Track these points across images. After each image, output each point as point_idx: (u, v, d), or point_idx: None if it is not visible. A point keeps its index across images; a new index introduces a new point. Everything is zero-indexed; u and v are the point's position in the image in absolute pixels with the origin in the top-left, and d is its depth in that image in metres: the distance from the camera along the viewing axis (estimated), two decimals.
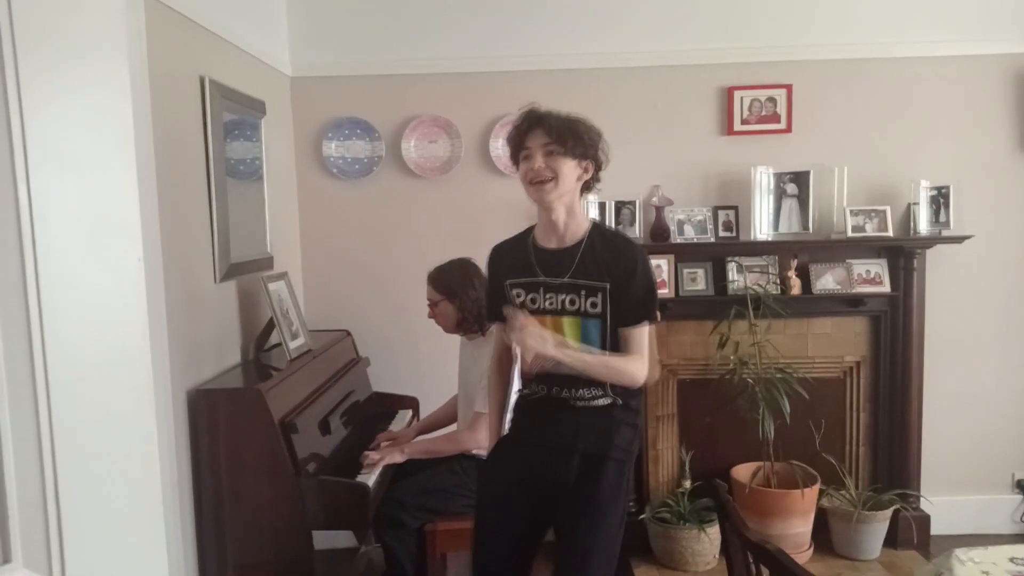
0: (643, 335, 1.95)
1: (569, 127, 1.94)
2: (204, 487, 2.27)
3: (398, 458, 2.61)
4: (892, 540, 3.32)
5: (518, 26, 3.33)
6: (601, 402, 1.96)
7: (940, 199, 3.29)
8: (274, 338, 2.71)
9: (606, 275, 1.93)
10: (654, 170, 3.38)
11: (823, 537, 3.32)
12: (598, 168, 2.01)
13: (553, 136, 1.92)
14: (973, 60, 3.33)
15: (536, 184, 1.93)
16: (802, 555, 3.21)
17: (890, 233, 3.27)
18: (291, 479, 2.21)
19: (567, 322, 1.96)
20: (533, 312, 1.97)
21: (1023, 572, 1.74)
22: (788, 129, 3.35)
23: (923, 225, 3.27)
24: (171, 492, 2.07)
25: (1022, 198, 3.39)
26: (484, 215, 3.40)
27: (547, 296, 1.97)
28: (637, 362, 1.93)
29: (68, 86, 1.75)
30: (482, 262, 2.79)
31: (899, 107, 3.36)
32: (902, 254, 3.30)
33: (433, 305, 2.75)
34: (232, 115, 2.65)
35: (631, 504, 1.98)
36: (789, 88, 3.34)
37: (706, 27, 3.33)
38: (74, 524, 1.75)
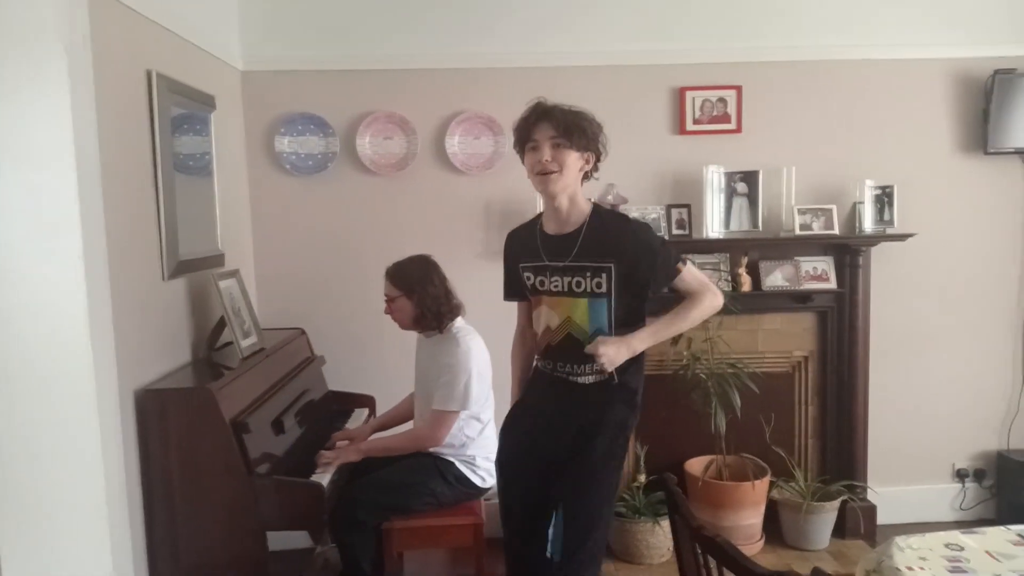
0: (691, 275, 2.10)
1: (574, 121, 2.04)
2: (154, 488, 2.22)
3: (354, 457, 2.59)
4: (840, 530, 3.42)
5: (474, 24, 3.33)
6: (594, 379, 2.10)
7: (884, 198, 3.40)
8: (226, 337, 2.67)
9: (610, 255, 2.05)
10: (609, 168, 3.25)
11: (774, 528, 3.40)
12: (598, 159, 2.13)
13: (560, 130, 2.02)
14: (916, 64, 3.44)
15: (541, 175, 2.04)
16: (753, 546, 3.28)
17: (836, 231, 3.36)
18: (244, 479, 2.18)
19: (575, 303, 2.09)
20: (542, 293, 2.14)
21: (958, 556, 1.81)
22: (738, 129, 3.42)
23: (868, 223, 3.37)
24: (117, 493, 2.03)
25: (962, 197, 3.51)
26: (440, 212, 3.40)
27: (552, 279, 2.12)
28: (704, 297, 2.09)
29: (6, 79, 1.70)
30: (439, 259, 2.82)
31: (845, 109, 3.45)
32: (848, 252, 3.40)
33: (390, 301, 2.73)
34: (180, 109, 2.60)
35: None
36: (739, 89, 3.40)
37: (660, 28, 3.38)
38: (11, 525, 1.70)
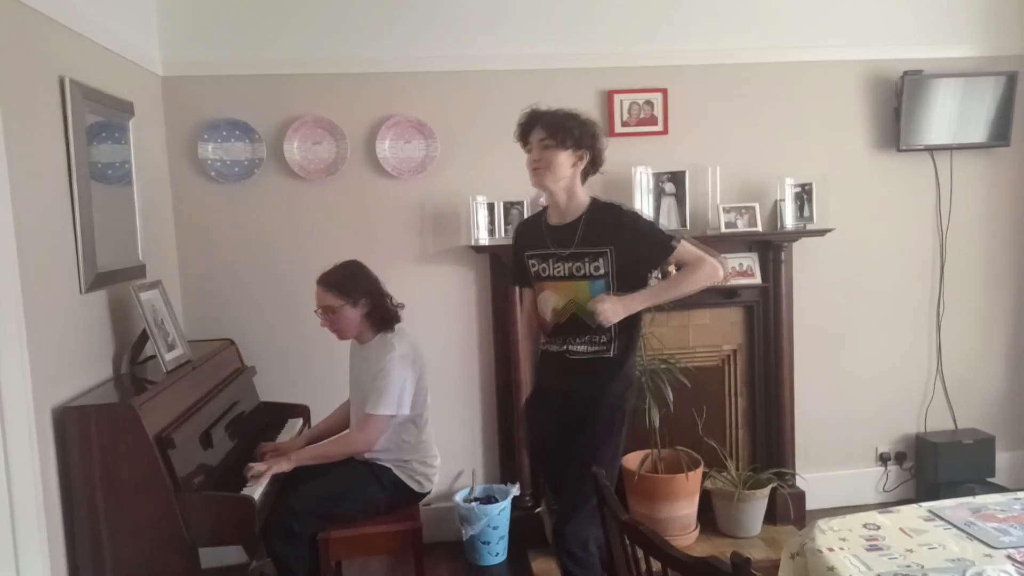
0: (686, 250, 2.29)
1: (560, 123, 2.28)
2: (77, 509, 2.15)
3: (285, 466, 2.53)
4: (771, 517, 3.52)
5: (403, 27, 3.32)
6: (591, 355, 2.32)
7: (804, 195, 3.52)
8: (149, 350, 2.59)
9: (607, 241, 2.28)
10: None
11: (708, 517, 3.49)
12: (596, 154, 2.34)
13: (547, 132, 2.27)
14: (832, 65, 3.59)
15: (532, 172, 2.31)
16: (689, 536, 3.36)
17: (759, 228, 3.47)
18: (170, 496, 2.12)
19: (576, 286, 2.32)
20: (544, 279, 2.38)
21: (874, 535, 1.90)
22: (665, 131, 3.49)
23: (789, 220, 3.49)
24: (30, 516, 1.95)
25: (876, 193, 3.68)
26: (372, 217, 3.38)
27: (556, 265, 2.35)
28: (700, 266, 2.28)
29: None
30: (371, 263, 2.79)
31: (766, 110, 3.57)
32: (771, 248, 3.52)
33: (332, 312, 2.62)
34: (97, 117, 2.52)
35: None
36: (665, 92, 3.48)
37: (589, 33, 3.43)
38: None
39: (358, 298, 2.62)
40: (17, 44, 2.07)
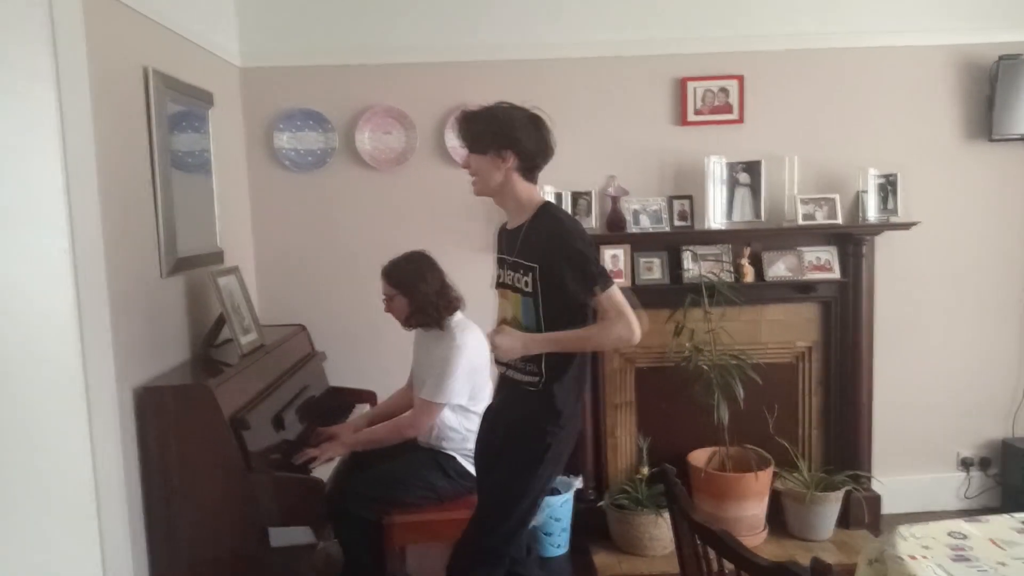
0: (610, 299, 1.98)
1: (470, 128, 2.07)
2: (153, 486, 2.23)
3: (339, 451, 2.56)
4: (844, 520, 3.40)
5: (472, 16, 3.32)
6: (526, 378, 2.09)
7: (888, 187, 3.37)
8: (225, 334, 2.67)
9: (537, 257, 2.03)
10: (610, 160, 3.40)
11: (778, 519, 3.39)
12: (527, 150, 2.05)
13: (464, 140, 2.10)
14: (920, 51, 3.41)
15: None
16: (757, 536, 3.27)
17: (839, 221, 3.33)
18: (242, 476, 2.19)
19: (515, 299, 2.11)
20: (499, 286, 2.19)
21: (961, 544, 1.80)
22: (740, 119, 3.39)
23: (871, 212, 3.34)
24: (113, 491, 2.03)
25: (966, 185, 3.48)
26: (440, 207, 3.39)
27: (507, 272, 2.15)
28: (615, 323, 1.98)
29: None
30: (438, 253, 2.80)
31: (847, 97, 3.42)
32: (851, 241, 3.37)
33: (388, 300, 2.72)
34: (178, 106, 2.60)
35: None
36: (741, 79, 3.38)
37: (660, 18, 3.36)
38: None
39: (411, 288, 2.64)
40: (104, 35, 2.14)
